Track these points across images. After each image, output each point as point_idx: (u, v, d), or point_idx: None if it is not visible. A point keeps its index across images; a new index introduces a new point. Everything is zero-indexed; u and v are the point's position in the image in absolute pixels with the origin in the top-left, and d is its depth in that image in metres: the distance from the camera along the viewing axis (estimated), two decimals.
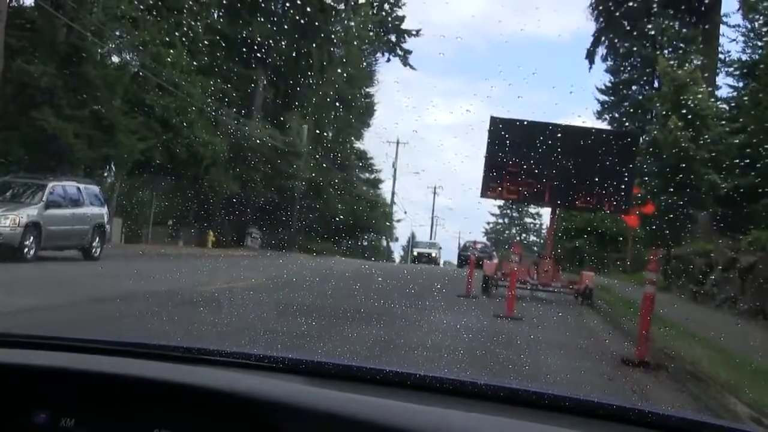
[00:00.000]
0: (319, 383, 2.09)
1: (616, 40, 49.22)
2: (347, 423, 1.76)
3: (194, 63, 40.86)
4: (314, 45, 53.57)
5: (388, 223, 70.93)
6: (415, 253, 68.05)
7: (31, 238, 19.79)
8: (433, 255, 66.82)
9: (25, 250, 19.57)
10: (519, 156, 21.75)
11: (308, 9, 52.13)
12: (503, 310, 15.65)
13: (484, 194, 22.12)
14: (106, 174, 34.70)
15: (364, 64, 66.34)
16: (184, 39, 38.81)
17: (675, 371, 9.81)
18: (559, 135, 21.77)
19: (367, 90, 68.45)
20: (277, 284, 18.60)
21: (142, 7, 33.11)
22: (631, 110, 47.77)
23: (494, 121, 21.99)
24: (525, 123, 22.07)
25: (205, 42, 46.52)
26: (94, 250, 22.47)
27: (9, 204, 20.17)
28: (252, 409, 1.88)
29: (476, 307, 17.30)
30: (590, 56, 48.89)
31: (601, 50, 49.68)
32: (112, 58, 31.86)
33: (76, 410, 2.00)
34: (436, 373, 2.26)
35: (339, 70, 60.40)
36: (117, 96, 29.54)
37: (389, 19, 69.52)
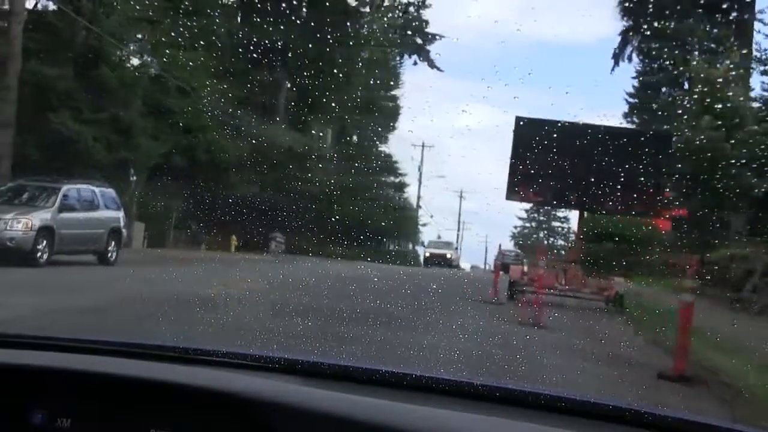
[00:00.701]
0: (315, 383, 2.08)
1: (643, 44, 48.40)
2: (343, 423, 1.76)
3: (216, 66, 40.46)
4: (338, 48, 53.11)
5: (413, 228, 70.11)
6: (426, 254, 60.18)
7: (44, 242, 19.27)
8: (449, 256, 59.29)
9: (38, 254, 19.05)
10: (545, 157, 20.95)
11: (332, 11, 51.72)
12: (529, 316, 14.93)
13: (509, 197, 21.36)
14: (132, 178, 34.30)
15: (389, 66, 65.77)
16: (204, 42, 38.37)
17: (716, 387, 9.01)
18: (588, 135, 20.99)
19: (392, 93, 67.96)
20: (293, 287, 17.90)
21: (161, 9, 32.65)
22: (660, 113, 46.80)
23: (519, 121, 21.26)
24: (551, 123, 21.29)
25: (228, 45, 46.27)
26: (109, 255, 21.88)
27: (22, 207, 19.69)
28: (248, 409, 1.88)
29: (501, 313, 16.56)
30: (617, 57, 47.99)
31: (628, 52, 48.74)
32: (131, 60, 31.35)
33: (72, 410, 2.00)
34: (432, 373, 2.25)
35: (363, 73, 60.04)
36: (135, 99, 29.04)
37: (414, 23, 68.93)
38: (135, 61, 32.74)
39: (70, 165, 26.69)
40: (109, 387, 2.05)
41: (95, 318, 10.75)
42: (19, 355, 2.19)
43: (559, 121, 21.38)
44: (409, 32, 68.70)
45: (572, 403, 2.08)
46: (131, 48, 31.68)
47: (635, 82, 50.35)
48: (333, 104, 55.63)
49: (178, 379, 2.01)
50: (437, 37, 69.43)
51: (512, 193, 21.31)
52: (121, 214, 22.76)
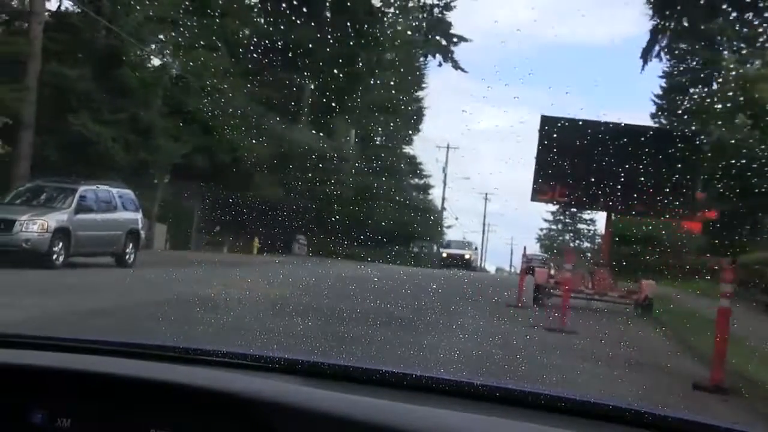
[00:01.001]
0: (315, 383, 2.07)
1: (672, 44, 47.72)
2: (343, 423, 1.75)
3: (239, 67, 40.22)
4: (362, 48, 52.80)
5: (438, 230, 69.41)
6: (444, 255, 57.37)
7: (60, 244, 18.93)
8: (467, 257, 56.74)
9: (54, 256, 18.72)
10: (572, 157, 20.39)
11: (356, 12, 51.44)
12: (556, 321, 14.41)
13: (534, 197, 20.79)
14: (154, 180, 34.05)
15: (413, 68, 65.37)
16: (227, 43, 38.11)
17: (756, 399, 8.44)
18: (616, 134, 20.40)
19: (417, 95, 67.50)
20: (314, 292, 17.47)
21: (182, 10, 32.38)
22: (686, 114, 46.04)
23: (545, 120, 20.68)
24: (578, 122, 20.73)
25: (251, 46, 46.08)
26: (127, 257, 21.54)
27: (38, 209, 19.38)
28: (248, 409, 1.87)
29: (526, 318, 16.05)
30: (645, 56, 47.27)
31: (656, 51, 48.00)
32: (151, 60, 31.09)
33: (72, 410, 1.99)
34: (432, 373, 2.24)
35: (387, 75, 59.72)
36: (155, 99, 28.75)
37: (438, 25, 68.45)
38: (155, 62, 32.49)
39: (89, 166, 26.44)
40: (109, 387, 2.03)
41: (103, 320, 10.42)
42: (18, 354, 2.18)
43: (585, 120, 20.80)
44: (433, 33, 68.32)
45: (572, 403, 2.07)
46: (152, 48, 31.39)
47: (662, 83, 49.63)
48: (357, 105, 55.37)
49: (178, 379, 2.00)
50: (462, 39, 68.92)
51: (538, 193, 20.74)
52: (139, 216, 22.42)
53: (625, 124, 21.31)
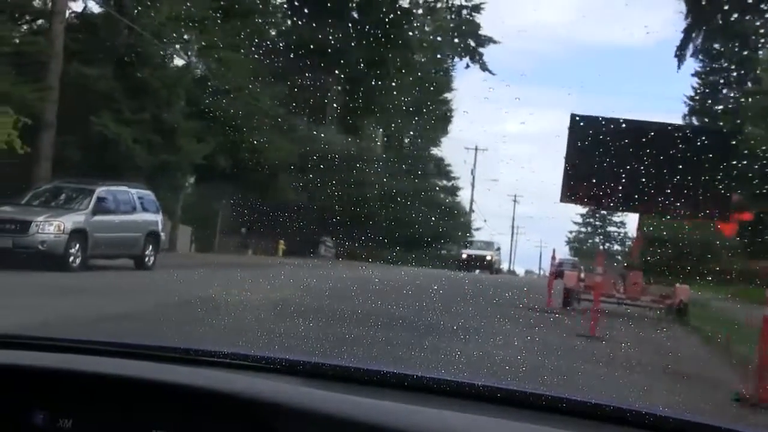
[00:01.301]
0: (316, 384, 2.08)
1: (706, 43, 46.92)
2: (345, 424, 1.76)
3: (265, 68, 39.89)
4: (390, 50, 52.38)
5: (466, 232, 68.71)
6: (463, 256, 52.94)
7: (77, 245, 18.56)
8: (489, 258, 52.68)
9: (70, 258, 18.36)
10: (603, 157, 19.69)
11: (384, 13, 51.06)
12: (586, 327, 13.81)
13: (563, 199, 20.09)
14: (180, 182, 33.71)
15: (442, 69, 64.92)
16: (253, 43, 37.76)
17: None
18: (649, 134, 19.68)
19: (445, 96, 67.01)
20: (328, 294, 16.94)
21: (207, 9, 32.02)
22: (719, 115, 45.14)
23: (575, 119, 20.00)
24: (609, 120, 20.01)
25: (277, 47, 45.77)
26: (147, 259, 21.14)
27: (55, 210, 19.04)
28: (250, 410, 1.87)
29: (555, 323, 15.45)
30: (680, 55, 46.39)
31: (690, 51, 47.14)
32: (174, 60, 30.74)
33: (74, 411, 1.99)
34: (434, 374, 2.23)
35: (416, 76, 59.33)
36: (178, 99, 28.39)
37: (466, 26, 67.87)
38: (179, 62, 32.17)
39: (111, 167, 26.13)
40: (110, 388, 2.03)
41: (113, 324, 9.98)
42: (20, 355, 2.18)
43: (617, 119, 20.08)
44: (462, 35, 67.77)
45: (574, 404, 2.06)
46: (176, 48, 31.05)
47: (694, 83, 48.81)
48: (384, 107, 54.99)
49: (179, 379, 1.99)
50: (490, 41, 68.23)
51: (567, 195, 20.02)
52: (159, 217, 22.03)
53: (657, 123, 20.57)
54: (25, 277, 16.40)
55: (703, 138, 20.44)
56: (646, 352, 12.16)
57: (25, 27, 26.77)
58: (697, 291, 26.63)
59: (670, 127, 20.88)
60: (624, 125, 19.91)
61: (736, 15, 40.95)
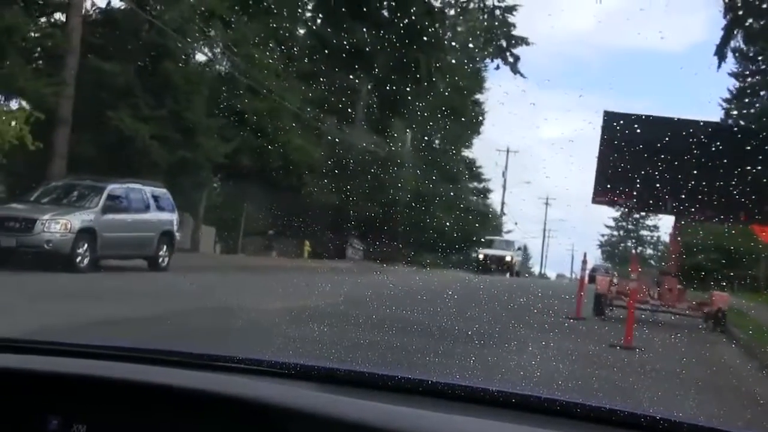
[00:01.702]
0: (331, 389, 2.07)
1: (744, 45, 45.75)
2: (359, 429, 1.76)
3: (293, 67, 39.29)
4: (421, 51, 51.68)
5: (498, 235, 67.61)
6: (480, 257, 49.28)
7: (85, 245, 17.83)
8: (508, 259, 48.98)
9: (78, 258, 17.63)
10: (637, 156, 18.63)
11: (415, 13, 50.38)
12: (620, 336, 12.84)
13: (596, 200, 19.09)
14: (215, 185, 33.05)
15: (473, 70, 64.11)
16: (281, 42, 37.13)
17: None
18: (687, 132, 18.62)
19: (477, 97, 66.19)
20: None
21: (233, 6, 31.35)
22: (757, 117, 43.85)
23: (609, 116, 18.99)
24: (645, 118, 18.98)
25: (306, 46, 45.20)
26: (161, 260, 20.40)
27: (63, 208, 18.34)
28: (264, 416, 1.87)
29: (586, 332, 14.47)
30: (720, 53, 45.07)
31: (730, 50, 45.84)
32: (196, 57, 30.03)
33: (88, 416, 2.00)
34: (448, 379, 2.22)
35: (447, 77, 58.69)
36: (200, 96, 27.68)
37: (497, 24, 66.96)
38: (201, 58, 31.50)
39: (129, 164, 25.49)
40: (124, 393, 2.01)
41: (109, 329, 9.19)
42: (35, 360, 2.17)
43: (653, 116, 19.05)
44: (494, 36, 66.93)
45: (588, 410, 2.03)
46: (200, 44, 30.36)
47: (730, 86, 47.59)
48: (415, 108, 54.37)
49: (193, 384, 1.98)
50: (523, 41, 67.24)
51: (599, 196, 19.02)
52: (174, 217, 21.26)
53: (695, 121, 19.50)
54: (26, 277, 15.69)
55: (744, 137, 19.33)
56: (684, 363, 11.16)
57: (41, 20, 26.10)
58: (737, 298, 25.47)
59: (709, 126, 19.80)
60: (660, 123, 18.90)
61: None
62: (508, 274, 47.41)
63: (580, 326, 15.36)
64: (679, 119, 18.98)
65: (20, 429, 2.04)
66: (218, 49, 32.30)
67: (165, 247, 20.57)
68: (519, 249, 54.39)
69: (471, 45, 62.68)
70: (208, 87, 29.27)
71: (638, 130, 18.70)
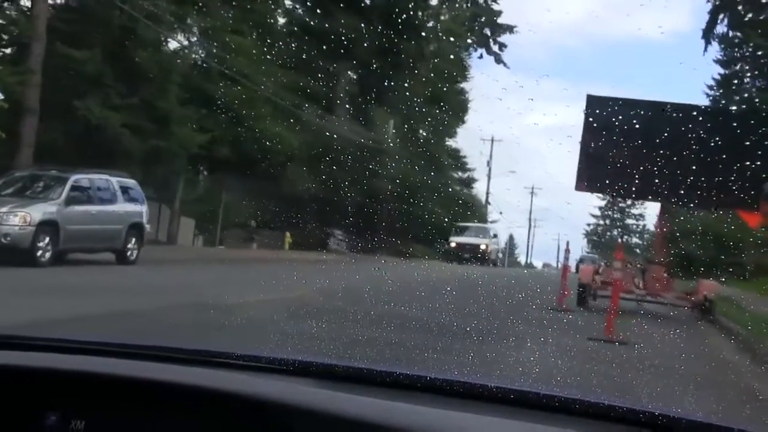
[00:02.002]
0: (329, 385, 2.09)
1: (729, 31, 45.43)
2: (357, 425, 1.77)
3: (272, 54, 38.53)
4: (404, 38, 51.03)
5: (472, 222, 67.17)
6: (452, 245, 45.11)
7: (47, 239, 17.07)
8: (483, 247, 44.48)
9: (38, 252, 16.86)
10: (622, 141, 18.01)
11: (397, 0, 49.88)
12: (601, 328, 12.23)
13: (579, 187, 18.43)
14: (200, 178, 32.24)
15: (457, 58, 63.58)
16: (259, 28, 36.35)
17: None
18: (672, 116, 18.01)
19: (461, 86, 65.66)
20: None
21: None
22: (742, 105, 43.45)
23: (591, 100, 18.34)
24: (629, 101, 18.33)
25: (286, 33, 44.45)
26: (129, 253, 19.64)
27: (24, 200, 17.53)
28: (262, 412, 1.88)
29: (567, 323, 13.87)
30: (706, 37, 44.61)
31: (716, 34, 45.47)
32: (170, 43, 29.21)
33: (86, 412, 2.00)
34: (447, 375, 2.21)
35: (430, 65, 58.14)
36: (173, 84, 26.89)
37: (483, 12, 66.42)
38: (175, 45, 30.69)
39: (100, 154, 24.71)
40: (123, 389, 2.01)
41: (70, 327, 8.66)
42: (33, 356, 2.17)
43: (638, 100, 18.37)
44: (477, 24, 66.46)
45: (587, 406, 2.02)
46: (174, 30, 29.52)
47: (715, 74, 47.19)
48: (398, 97, 53.82)
49: (191, 381, 1.98)
50: (507, 29, 66.70)
51: (582, 183, 18.35)
52: (143, 208, 20.50)
53: (683, 104, 18.88)
54: None
55: (732, 120, 18.70)
56: (674, 358, 10.54)
57: (5, 5, 25.22)
58: (728, 286, 24.95)
59: (696, 109, 19.19)
60: (646, 106, 18.25)
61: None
62: (491, 264, 44.50)
63: (561, 317, 14.75)
64: (663, 102, 18.34)
65: (19, 425, 2.03)
66: (194, 38, 31.52)
67: (134, 239, 19.83)
68: (495, 236, 49.47)
69: (454, 33, 62.12)
70: (182, 74, 28.47)
71: (622, 115, 18.08)
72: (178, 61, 28.96)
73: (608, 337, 11.78)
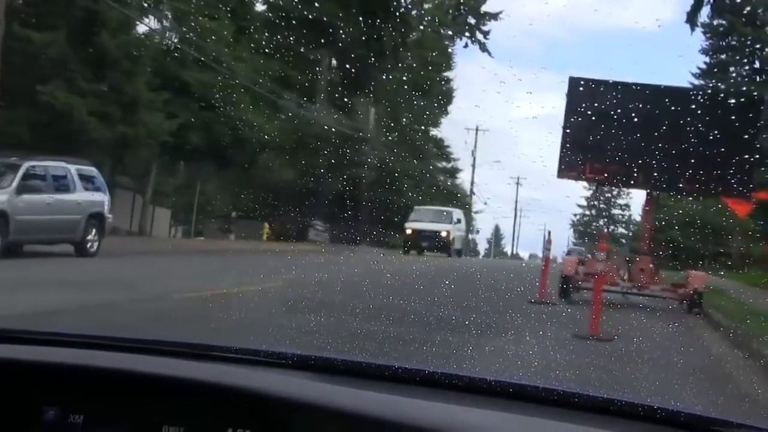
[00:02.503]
0: (327, 379, 2.07)
1: (713, 20, 44.82)
2: (355, 419, 1.76)
3: (249, 39, 37.56)
4: (386, 24, 50.16)
5: (466, 216, 66.47)
6: (407, 231, 37.77)
7: None
8: (444, 234, 36.86)
9: None
10: (606, 126, 17.18)
11: None
12: (585, 324, 11.38)
13: (561, 174, 17.55)
14: (151, 161, 31.15)
15: (441, 47, 62.91)
16: (235, 12, 35.34)
17: None
18: (660, 99, 17.18)
19: (445, 74, 64.93)
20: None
21: None
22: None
23: (574, 82, 17.47)
24: (614, 84, 17.47)
25: (264, 18, 43.55)
26: (89, 245, 18.60)
27: None
28: (260, 405, 1.88)
29: (548, 317, 13.02)
30: (691, 19, 43.83)
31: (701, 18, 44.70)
32: (139, 26, 28.08)
33: (84, 406, 1.99)
34: (445, 369, 2.18)
35: (414, 53, 57.39)
36: (142, 69, 25.85)
37: (468, 2, 65.60)
38: (146, 28, 29.62)
39: (65, 141, 23.67)
40: (121, 383, 2.01)
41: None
42: (30, 350, 2.15)
43: (623, 82, 17.50)
44: (461, 12, 65.75)
45: (585, 399, 2.00)
46: (144, 12, 28.44)
47: (701, 63, 46.62)
48: (381, 84, 53.06)
49: (190, 375, 1.97)
50: (491, 17, 65.84)
51: (565, 169, 17.46)
52: (104, 197, 19.42)
53: (670, 87, 18.03)
54: None
55: (722, 104, 17.84)
56: (660, 355, 9.69)
57: None
58: (716, 277, 24.18)
59: (683, 92, 18.37)
60: (631, 89, 17.41)
61: None
62: (456, 255, 39.08)
63: (541, 311, 13.88)
64: (651, 85, 17.49)
65: (17, 420, 2.00)
66: (166, 21, 30.48)
67: (94, 230, 18.77)
68: (459, 221, 41.08)
69: (438, 21, 61.43)
70: (154, 59, 27.42)
71: (608, 97, 17.25)
72: (148, 44, 27.82)
73: (593, 333, 10.91)
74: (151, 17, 30.34)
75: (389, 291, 13.41)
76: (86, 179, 18.89)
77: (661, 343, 11.06)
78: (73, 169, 18.47)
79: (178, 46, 30.40)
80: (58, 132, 23.73)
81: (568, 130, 17.49)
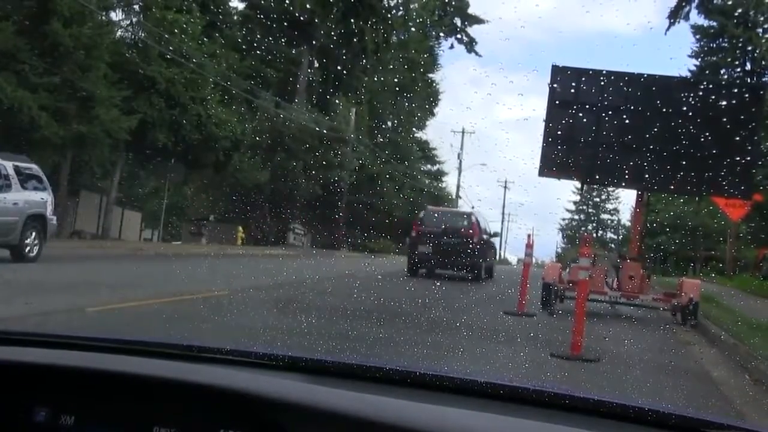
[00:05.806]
0: (319, 381, 2.04)
1: (703, 20, 44.17)
2: (347, 420, 1.75)
3: (223, 35, 36.09)
4: (367, 22, 48.92)
5: None
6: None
7: None
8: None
9: None
10: (592, 119, 15.68)
11: None
12: (566, 341, 9.82)
13: (543, 172, 15.98)
14: (114, 159, 29.51)
15: (426, 48, 61.84)
16: (206, 7, 33.84)
17: None
18: (650, 90, 15.71)
19: (430, 76, 63.79)
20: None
21: None
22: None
23: (557, 71, 15.92)
24: (600, 74, 15.93)
25: (238, 13, 42.22)
26: (28, 249, 16.94)
27: None
28: (252, 407, 1.86)
29: (526, 332, 11.51)
30: (674, 17, 42.80)
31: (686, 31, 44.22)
32: (100, 17, 26.41)
33: (76, 408, 1.97)
34: (437, 371, 2.17)
35: (398, 54, 56.26)
36: (97, 62, 24.22)
37: (454, 2, 64.61)
38: (108, 19, 27.97)
39: (16, 140, 22.08)
40: (113, 384, 1.99)
41: None
42: (21, 351, 2.12)
43: (611, 71, 15.94)
44: (447, 13, 64.89)
45: (576, 401, 2.01)
46: (104, 2, 26.82)
47: (691, 65, 45.80)
48: (362, 84, 51.89)
49: (182, 376, 1.95)
50: (478, 21, 64.81)
51: (547, 167, 15.91)
52: (47, 197, 17.70)
53: (662, 76, 16.52)
54: None
55: (723, 95, 16.29)
56: (651, 378, 8.15)
57: None
58: (707, 281, 22.73)
59: (676, 82, 16.89)
60: (618, 79, 15.91)
61: None
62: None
63: (519, 324, 12.32)
64: (641, 74, 15.97)
65: (7, 421, 1.99)
66: (128, 12, 28.91)
67: (34, 233, 17.11)
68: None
69: (424, 22, 60.45)
70: (111, 52, 25.77)
71: (593, 88, 15.76)
72: (106, 35, 26.16)
73: (575, 354, 9.35)
74: (114, 7, 28.70)
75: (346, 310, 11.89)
76: (26, 177, 17.22)
77: (657, 367, 9.50)
78: (9, 166, 16.76)
79: (142, 39, 28.78)
80: (5, 128, 22.11)
81: (550, 124, 15.94)
